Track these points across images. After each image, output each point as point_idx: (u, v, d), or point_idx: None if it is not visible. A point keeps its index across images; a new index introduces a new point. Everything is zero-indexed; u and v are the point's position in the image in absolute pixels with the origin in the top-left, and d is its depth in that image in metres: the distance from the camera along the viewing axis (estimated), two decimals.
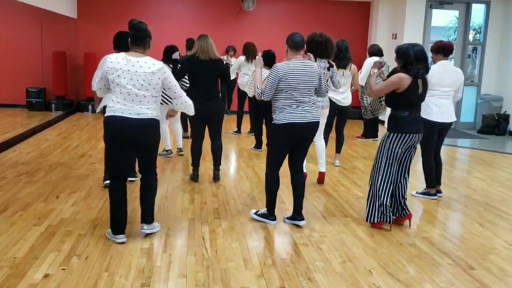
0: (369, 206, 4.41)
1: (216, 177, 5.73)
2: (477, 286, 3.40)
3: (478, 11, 11.05)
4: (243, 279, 3.33)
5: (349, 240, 4.12)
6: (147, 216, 4.02)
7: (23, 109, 10.02)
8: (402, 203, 4.44)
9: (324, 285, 3.30)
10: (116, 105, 3.67)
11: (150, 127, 3.76)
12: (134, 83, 3.64)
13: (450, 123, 5.34)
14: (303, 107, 4.10)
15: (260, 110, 7.23)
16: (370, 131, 9.04)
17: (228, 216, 4.59)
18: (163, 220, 4.38)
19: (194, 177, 5.70)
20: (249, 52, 8.46)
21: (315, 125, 4.19)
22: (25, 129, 8.20)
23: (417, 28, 10.50)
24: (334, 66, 5.49)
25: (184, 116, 8.06)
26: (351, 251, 3.89)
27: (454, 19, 12.19)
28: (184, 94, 4.02)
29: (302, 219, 4.37)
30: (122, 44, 4.47)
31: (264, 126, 7.48)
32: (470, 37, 11.50)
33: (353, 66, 6.57)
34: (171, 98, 6.84)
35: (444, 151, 8.39)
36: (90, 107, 11.13)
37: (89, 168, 6.16)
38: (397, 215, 4.47)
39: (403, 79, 4.17)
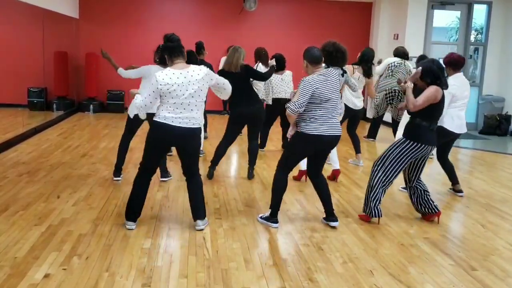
0: (366, 199, 4.55)
1: (250, 175, 5.98)
2: (479, 287, 3.39)
3: (479, 12, 11.03)
4: (244, 279, 3.33)
5: (350, 240, 4.11)
6: (201, 213, 4.21)
7: (24, 109, 10.00)
8: (429, 200, 4.57)
9: (325, 286, 3.29)
10: (168, 114, 3.92)
11: (195, 135, 4.07)
12: (190, 92, 3.91)
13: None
14: (333, 119, 4.16)
15: (273, 113, 7.25)
16: (371, 132, 9.01)
17: (229, 216, 4.59)
18: (164, 220, 4.38)
19: (210, 175, 5.82)
20: (263, 58, 8.18)
21: (338, 138, 4.27)
22: (26, 129, 8.20)
23: (419, 29, 10.49)
24: (347, 72, 5.47)
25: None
26: (352, 251, 3.88)
27: (456, 20, 12.19)
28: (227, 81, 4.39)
29: (335, 220, 4.39)
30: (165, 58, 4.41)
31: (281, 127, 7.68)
32: (472, 38, 11.47)
33: None
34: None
35: None
36: (91, 107, 11.14)
37: (90, 168, 6.16)
38: (427, 211, 4.59)
39: (439, 91, 4.27)
